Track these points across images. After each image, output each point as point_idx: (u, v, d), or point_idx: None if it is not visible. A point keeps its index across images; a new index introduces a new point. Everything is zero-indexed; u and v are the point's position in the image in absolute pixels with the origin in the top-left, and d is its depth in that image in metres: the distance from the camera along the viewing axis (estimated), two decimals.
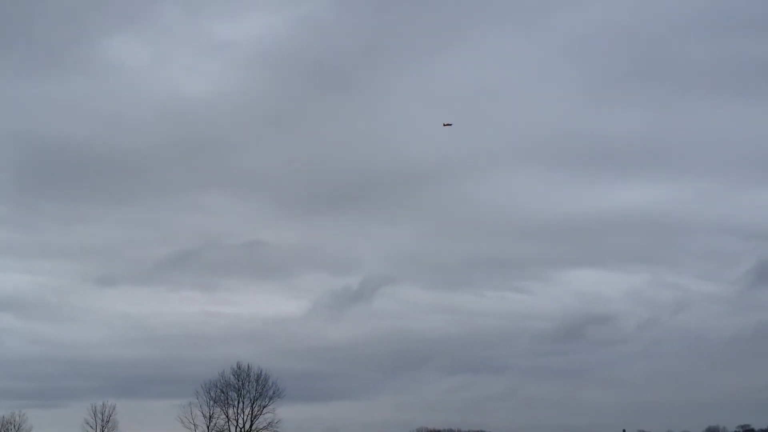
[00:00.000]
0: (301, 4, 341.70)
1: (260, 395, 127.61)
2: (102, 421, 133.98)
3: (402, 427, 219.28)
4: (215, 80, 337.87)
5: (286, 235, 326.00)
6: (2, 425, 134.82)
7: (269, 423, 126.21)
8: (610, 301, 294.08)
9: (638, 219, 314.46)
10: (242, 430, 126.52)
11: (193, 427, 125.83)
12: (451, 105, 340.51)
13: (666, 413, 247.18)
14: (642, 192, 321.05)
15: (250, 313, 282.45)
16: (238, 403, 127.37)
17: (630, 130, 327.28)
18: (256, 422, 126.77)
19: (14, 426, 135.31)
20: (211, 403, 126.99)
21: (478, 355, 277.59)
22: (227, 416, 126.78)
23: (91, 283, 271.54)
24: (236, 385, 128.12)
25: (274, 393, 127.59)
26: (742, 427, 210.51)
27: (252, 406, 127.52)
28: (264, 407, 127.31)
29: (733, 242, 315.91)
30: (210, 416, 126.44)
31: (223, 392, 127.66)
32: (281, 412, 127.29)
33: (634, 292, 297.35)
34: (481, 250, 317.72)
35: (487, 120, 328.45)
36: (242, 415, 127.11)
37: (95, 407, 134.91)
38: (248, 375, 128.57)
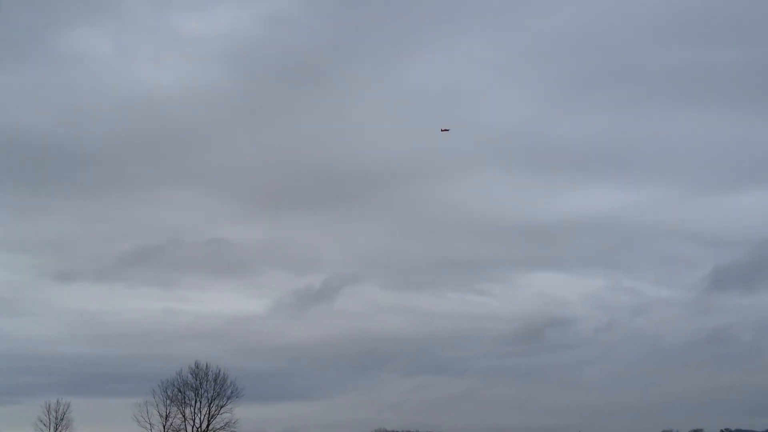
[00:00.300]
0: (269, 0, 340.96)
1: (218, 395, 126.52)
2: (56, 419, 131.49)
3: (361, 428, 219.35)
4: (180, 74, 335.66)
5: (250, 233, 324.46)
6: None
7: (226, 423, 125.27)
8: (569, 305, 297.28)
9: (598, 223, 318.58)
10: (199, 429, 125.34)
11: (148, 426, 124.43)
12: (417, 106, 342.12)
13: (622, 416, 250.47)
14: (603, 197, 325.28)
15: (211, 311, 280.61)
16: (195, 402, 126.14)
17: (593, 136, 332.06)
18: (213, 422, 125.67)
19: None
20: (168, 402, 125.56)
21: (438, 356, 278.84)
22: (184, 416, 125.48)
23: (48, 278, 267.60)
24: (194, 385, 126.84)
25: (232, 393, 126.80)
26: (695, 430, 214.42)
27: (209, 405, 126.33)
28: (222, 407, 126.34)
29: (690, 248, 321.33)
30: (166, 415, 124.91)
31: (180, 391, 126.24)
32: (239, 411, 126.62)
33: (593, 295, 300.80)
34: (443, 252, 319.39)
35: (452, 121, 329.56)
36: (199, 415, 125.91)
37: (49, 405, 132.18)
38: (206, 374, 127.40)
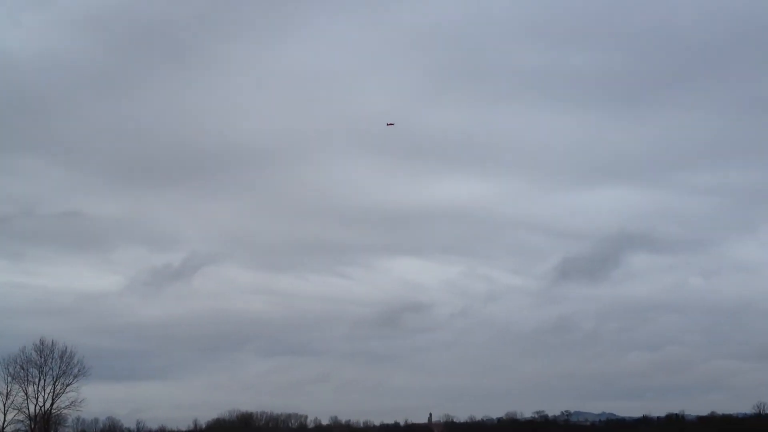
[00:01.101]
0: None
1: (64, 373, 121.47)
2: None
3: (215, 409, 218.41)
4: (40, 37, 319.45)
5: (106, 207, 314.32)
6: None
7: (72, 402, 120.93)
8: (427, 290, 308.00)
9: (457, 213, 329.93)
10: (42, 408, 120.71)
11: None
12: (286, 88, 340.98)
13: (471, 399, 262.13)
14: (462, 187, 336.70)
15: (60, 286, 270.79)
16: (39, 380, 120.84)
17: (455, 128, 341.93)
18: (58, 401, 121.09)
19: None
20: (9, 379, 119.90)
21: (297, 338, 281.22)
22: (26, 394, 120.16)
23: None
24: (38, 362, 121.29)
25: (79, 371, 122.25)
26: (537, 413, 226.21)
27: (54, 384, 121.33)
28: (67, 386, 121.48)
29: (541, 240, 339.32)
30: (7, 393, 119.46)
31: (22, 368, 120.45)
32: (87, 390, 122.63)
33: (449, 282, 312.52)
34: (306, 234, 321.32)
35: (320, 105, 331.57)
36: (43, 393, 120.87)
37: None
38: (52, 351, 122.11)
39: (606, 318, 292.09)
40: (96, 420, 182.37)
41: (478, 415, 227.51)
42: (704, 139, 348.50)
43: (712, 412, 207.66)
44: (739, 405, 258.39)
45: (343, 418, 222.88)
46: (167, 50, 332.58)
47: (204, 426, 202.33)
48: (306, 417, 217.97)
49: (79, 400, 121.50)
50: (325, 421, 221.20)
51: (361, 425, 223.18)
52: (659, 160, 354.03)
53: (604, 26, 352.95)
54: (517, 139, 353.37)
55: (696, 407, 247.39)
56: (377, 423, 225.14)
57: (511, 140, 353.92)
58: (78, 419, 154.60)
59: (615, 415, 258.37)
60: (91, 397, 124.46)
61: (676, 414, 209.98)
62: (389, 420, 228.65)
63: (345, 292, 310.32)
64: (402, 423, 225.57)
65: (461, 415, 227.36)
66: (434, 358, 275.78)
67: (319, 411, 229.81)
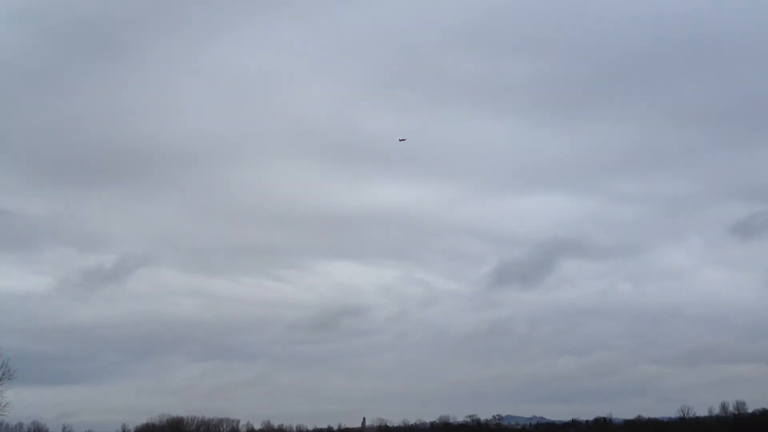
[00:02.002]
0: None
1: None
2: None
3: (144, 413, 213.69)
4: None
5: (32, 205, 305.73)
6: None
7: None
8: (363, 294, 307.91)
9: (394, 217, 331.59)
10: None
11: None
12: (222, 88, 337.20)
13: (405, 403, 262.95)
14: (399, 192, 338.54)
15: None
16: None
17: (392, 132, 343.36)
18: None
19: None
20: None
21: (231, 341, 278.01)
22: None
23: None
24: None
25: (3, 374, 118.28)
26: (469, 416, 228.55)
27: None
28: None
29: (477, 245, 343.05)
30: None
31: None
32: (11, 395, 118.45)
33: (386, 286, 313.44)
34: (241, 236, 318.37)
35: (256, 106, 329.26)
36: None
37: None
38: None
39: (539, 323, 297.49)
40: (20, 425, 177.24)
41: (412, 419, 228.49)
42: (633, 148, 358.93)
43: (639, 416, 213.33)
44: (665, 409, 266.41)
45: (275, 423, 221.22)
46: (101, 46, 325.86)
47: (133, 431, 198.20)
48: (238, 422, 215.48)
49: (2, 405, 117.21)
50: (257, 426, 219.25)
51: (294, 430, 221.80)
52: (590, 167, 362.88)
53: (539, 36, 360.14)
54: (452, 146, 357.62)
55: (623, 411, 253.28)
56: (310, 427, 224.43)
57: (447, 146, 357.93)
58: (1, 424, 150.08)
59: (545, 418, 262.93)
60: (15, 401, 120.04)
61: (604, 418, 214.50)
62: (322, 424, 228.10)
63: (280, 295, 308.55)
64: (335, 427, 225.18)
65: (395, 419, 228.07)
66: (369, 362, 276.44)
67: (251, 415, 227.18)
